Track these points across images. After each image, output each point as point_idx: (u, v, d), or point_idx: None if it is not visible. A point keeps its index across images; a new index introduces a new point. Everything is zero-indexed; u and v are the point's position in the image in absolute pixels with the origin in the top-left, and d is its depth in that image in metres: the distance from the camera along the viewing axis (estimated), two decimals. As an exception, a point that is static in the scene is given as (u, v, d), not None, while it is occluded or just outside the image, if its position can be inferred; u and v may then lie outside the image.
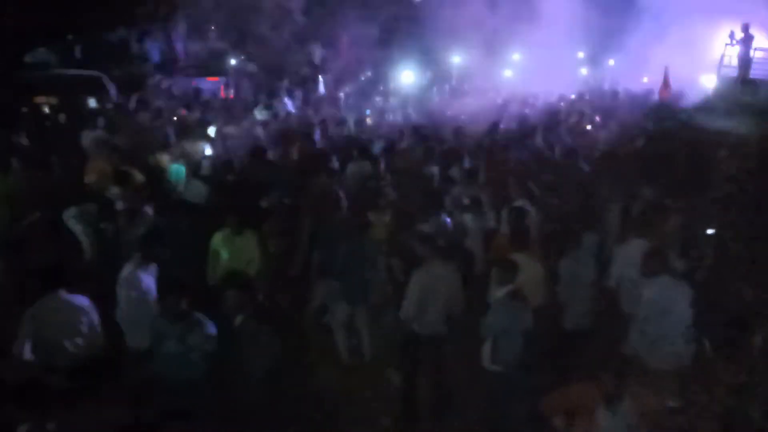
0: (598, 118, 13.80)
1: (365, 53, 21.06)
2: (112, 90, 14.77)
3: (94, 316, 4.73)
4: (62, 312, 4.62)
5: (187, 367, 4.40)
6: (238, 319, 4.43)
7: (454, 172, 8.27)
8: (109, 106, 13.59)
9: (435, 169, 8.60)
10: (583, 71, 23.52)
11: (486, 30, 19.10)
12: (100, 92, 14.41)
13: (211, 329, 4.46)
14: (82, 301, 4.71)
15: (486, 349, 4.93)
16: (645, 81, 19.23)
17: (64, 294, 4.65)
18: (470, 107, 14.76)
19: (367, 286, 6.13)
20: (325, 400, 5.36)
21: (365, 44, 20.73)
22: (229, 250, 6.05)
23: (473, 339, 5.17)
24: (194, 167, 8.46)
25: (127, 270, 5.12)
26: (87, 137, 9.51)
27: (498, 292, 5.06)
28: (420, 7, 23.42)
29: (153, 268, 5.21)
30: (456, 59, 22.33)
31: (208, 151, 9.39)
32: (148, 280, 5.12)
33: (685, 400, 4.61)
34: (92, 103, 13.89)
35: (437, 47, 21.34)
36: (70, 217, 6.26)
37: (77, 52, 19.53)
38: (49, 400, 3.97)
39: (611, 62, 23.07)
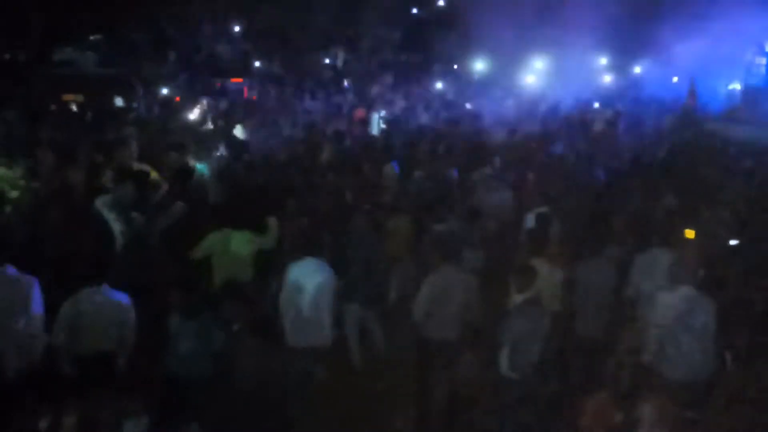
0: (621, 126, 13.69)
1: (389, 57, 21.13)
2: (139, 89, 15.00)
3: (131, 315, 4.70)
4: (101, 307, 4.60)
5: (200, 364, 4.46)
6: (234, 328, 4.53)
7: (477, 175, 8.28)
8: (135, 105, 13.81)
9: (453, 172, 8.63)
10: (607, 78, 23.30)
11: (508, 36, 19.03)
12: (127, 91, 14.66)
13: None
14: (122, 298, 4.70)
15: (503, 356, 4.91)
16: (675, 81, 18.92)
17: (106, 289, 4.64)
18: (492, 111, 14.73)
19: (382, 288, 6.14)
20: (336, 402, 5.36)
21: (388, 48, 20.81)
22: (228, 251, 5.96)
23: (490, 345, 5.16)
24: (218, 167, 8.55)
25: None
26: (113, 134, 9.68)
27: (516, 298, 5.05)
28: (443, 11, 23.45)
29: None
30: (479, 65, 22.30)
31: (228, 150, 9.50)
32: None
33: (703, 411, 4.58)
34: (119, 101, 14.13)
35: (460, 52, 21.33)
36: (103, 205, 6.35)
37: (104, 51, 19.87)
38: (69, 393, 4.00)
39: (637, 69, 22.81)
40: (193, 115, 12.53)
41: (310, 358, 5.26)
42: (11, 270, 4.58)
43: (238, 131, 11.44)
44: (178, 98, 15.19)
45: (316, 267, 5.35)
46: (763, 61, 15.25)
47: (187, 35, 20.73)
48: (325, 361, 5.38)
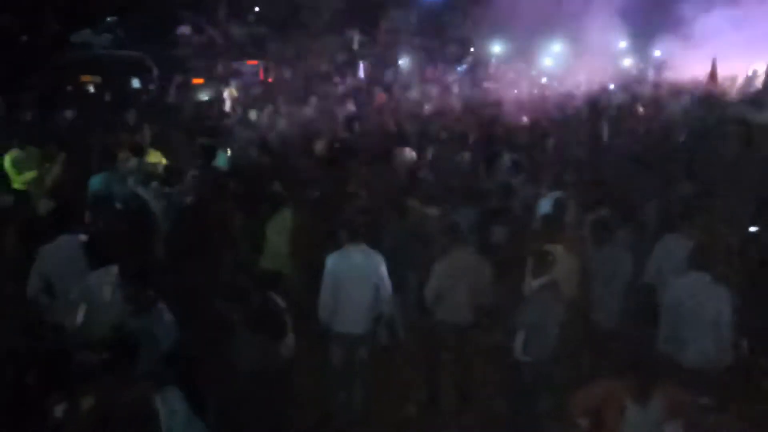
0: (641, 109, 13.50)
1: (403, 40, 20.96)
2: (155, 71, 15.06)
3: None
4: (114, 288, 4.49)
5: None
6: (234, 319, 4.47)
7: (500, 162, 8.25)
8: (152, 87, 13.88)
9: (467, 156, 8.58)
10: (627, 62, 22.96)
11: (526, 18, 18.79)
12: (142, 73, 14.72)
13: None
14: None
15: (518, 341, 4.91)
16: (695, 74, 18.64)
17: (114, 269, 4.52)
18: (509, 96, 14.61)
19: (404, 271, 6.14)
20: (348, 383, 5.40)
21: (403, 32, 20.64)
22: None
23: (505, 329, 5.16)
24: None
25: None
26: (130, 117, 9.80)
27: (533, 283, 5.03)
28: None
29: None
30: (496, 48, 22.07)
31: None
32: None
33: (718, 398, 4.55)
34: (135, 83, 14.21)
35: (476, 36, 21.11)
36: (137, 185, 6.45)
37: (120, 32, 19.91)
38: (82, 377, 4.01)
39: (657, 53, 22.42)
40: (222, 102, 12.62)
41: (351, 343, 5.24)
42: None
43: (253, 115, 11.46)
44: (195, 80, 15.23)
45: (362, 254, 5.21)
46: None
47: (203, 17, 20.68)
48: (363, 347, 5.33)
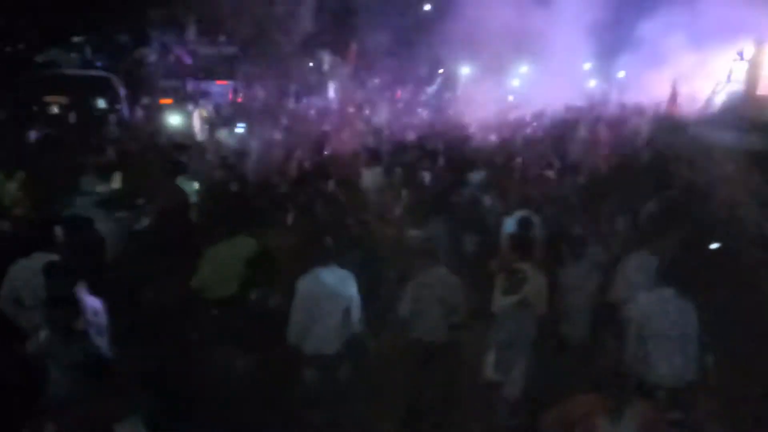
0: (603, 131, 13.79)
1: (374, 62, 21.13)
2: (121, 91, 14.89)
3: (103, 320, 4.61)
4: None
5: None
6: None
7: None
8: (118, 107, 13.72)
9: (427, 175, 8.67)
10: (592, 83, 23.53)
11: (494, 40, 19.14)
12: (109, 93, 14.53)
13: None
14: (94, 303, 4.61)
15: (489, 359, 4.92)
16: (656, 95, 19.18)
17: (80, 292, 4.52)
18: (478, 116, 14.81)
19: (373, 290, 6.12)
20: (323, 402, 5.34)
21: (375, 53, 20.80)
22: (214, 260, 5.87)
23: (477, 347, 5.17)
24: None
25: None
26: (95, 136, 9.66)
27: (504, 301, 5.06)
28: (429, 16, 23.50)
29: None
30: (465, 70, 22.41)
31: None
32: None
33: (686, 413, 4.61)
34: (101, 103, 14.02)
35: (445, 57, 21.40)
36: (90, 206, 6.31)
37: (87, 53, 19.70)
38: (48, 399, 3.91)
39: (621, 74, 23.01)
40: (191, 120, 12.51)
41: (323, 364, 5.20)
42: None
43: (223, 135, 11.40)
44: (163, 100, 15.11)
45: (334, 275, 5.20)
46: (744, 66, 15.44)
47: (174, 36, 20.57)
48: (334, 367, 5.29)
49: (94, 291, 4.67)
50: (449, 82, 22.41)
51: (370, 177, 8.53)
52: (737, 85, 16.08)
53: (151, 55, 19.92)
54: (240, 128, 12.64)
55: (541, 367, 5.37)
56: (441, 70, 23.60)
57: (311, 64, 22.44)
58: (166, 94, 15.97)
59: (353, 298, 5.20)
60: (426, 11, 24.67)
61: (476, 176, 8.43)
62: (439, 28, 19.93)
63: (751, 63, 14.89)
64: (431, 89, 21.15)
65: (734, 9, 15.32)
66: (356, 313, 5.22)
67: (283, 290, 5.34)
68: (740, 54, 15.32)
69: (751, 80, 15.01)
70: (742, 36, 15.41)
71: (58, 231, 5.69)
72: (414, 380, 5.61)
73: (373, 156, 9.21)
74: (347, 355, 5.41)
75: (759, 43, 14.57)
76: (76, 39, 19.10)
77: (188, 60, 20.75)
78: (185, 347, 4.51)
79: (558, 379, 5.47)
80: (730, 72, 16.43)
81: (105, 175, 7.44)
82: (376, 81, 21.45)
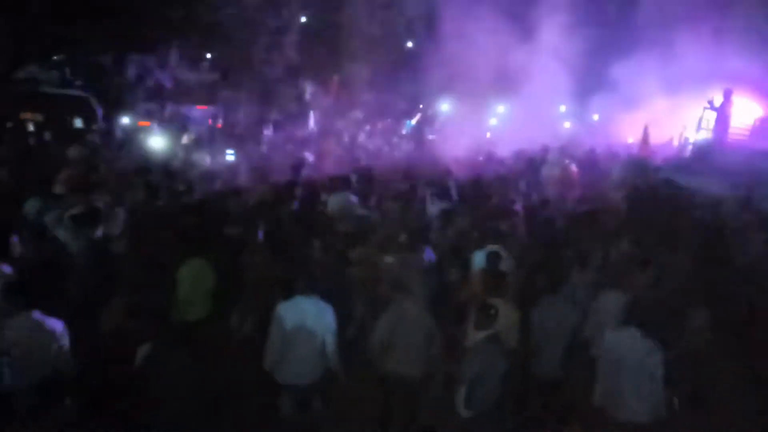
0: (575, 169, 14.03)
1: (355, 94, 21.36)
2: (99, 111, 14.81)
3: (65, 342, 4.54)
4: (33, 333, 4.42)
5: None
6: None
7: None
8: (95, 127, 13.63)
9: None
10: (567, 125, 24.00)
11: (472, 79, 19.50)
12: (86, 113, 14.44)
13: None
14: (55, 325, 4.52)
15: (460, 394, 4.89)
16: (630, 141, 19.62)
17: (36, 315, 4.46)
18: (455, 150, 14.99)
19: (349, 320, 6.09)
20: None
21: (357, 85, 21.04)
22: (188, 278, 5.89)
23: (448, 382, 5.14)
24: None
25: None
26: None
27: (476, 336, 5.06)
28: (411, 53, 23.91)
29: None
30: (444, 106, 22.74)
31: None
32: None
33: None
34: (78, 123, 13.91)
35: (426, 93, 21.73)
36: (53, 221, 6.19)
37: (66, 72, 19.59)
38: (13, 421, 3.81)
39: (595, 117, 23.53)
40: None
41: (297, 394, 5.25)
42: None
43: (199, 159, 11.36)
44: (141, 123, 15.04)
45: (314, 306, 5.22)
46: (712, 116, 15.92)
47: (154, 61, 20.59)
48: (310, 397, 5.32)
49: (55, 309, 4.57)
50: (428, 117, 22.70)
51: (335, 202, 8.52)
52: (706, 133, 16.58)
53: (131, 78, 19.91)
54: (230, 154, 12.58)
55: (512, 402, 5.36)
56: (421, 105, 23.92)
57: (293, 93, 22.59)
58: (144, 117, 15.89)
59: (331, 331, 5.21)
60: (408, 48, 25.10)
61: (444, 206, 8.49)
62: (420, 65, 20.27)
63: (719, 112, 15.38)
64: (410, 123, 21.37)
65: (704, 59, 15.91)
66: (331, 347, 5.23)
67: (252, 314, 5.32)
68: (710, 102, 15.81)
69: (720, 129, 15.52)
70: (712, 85, 15.94)
71: (15, 243, 5.61)
72: (385, 414, 5.55)
73: (341, 182, 9.22)
74: (319, 386, 5.37)
75: (727, 94, 15.11)
76: (56, 58, 18.98)
77: (168, 84, 20.77)
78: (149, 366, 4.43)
79: (528, 414, 5.47)
80: (701, 119, 16.95)
81: (76, 192, 7.35)
82: (357, 113, 21.63)
